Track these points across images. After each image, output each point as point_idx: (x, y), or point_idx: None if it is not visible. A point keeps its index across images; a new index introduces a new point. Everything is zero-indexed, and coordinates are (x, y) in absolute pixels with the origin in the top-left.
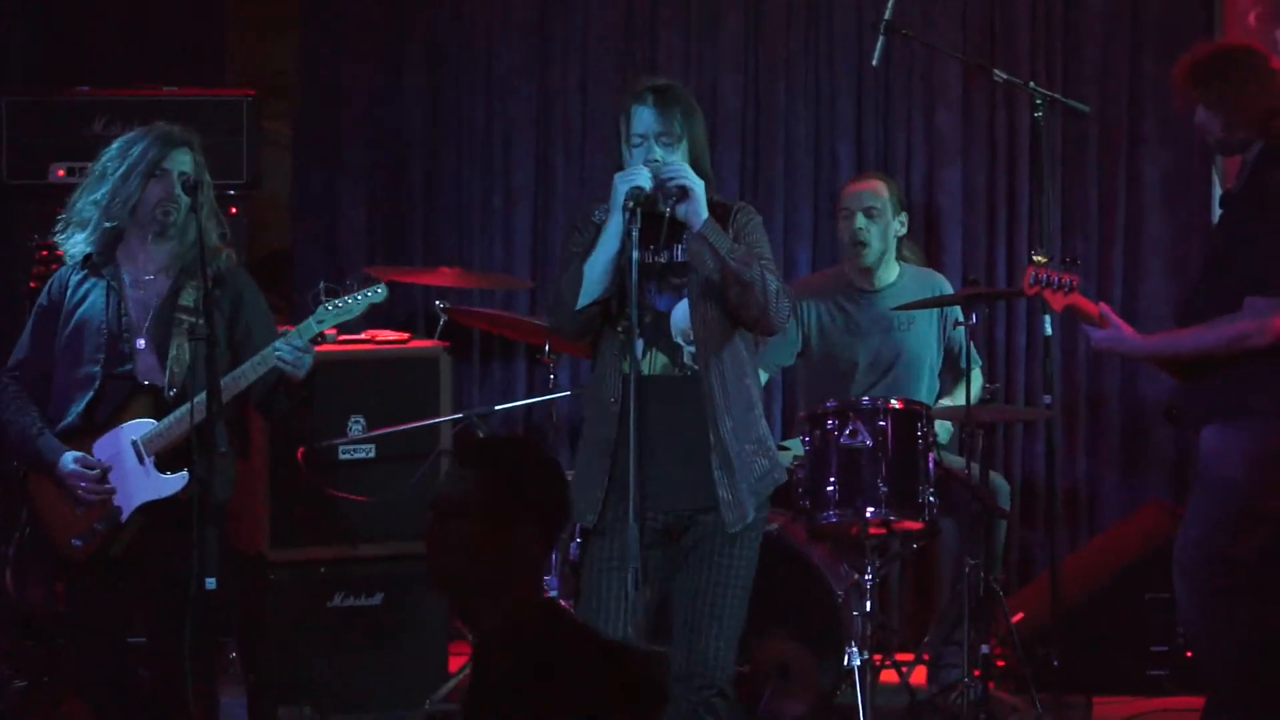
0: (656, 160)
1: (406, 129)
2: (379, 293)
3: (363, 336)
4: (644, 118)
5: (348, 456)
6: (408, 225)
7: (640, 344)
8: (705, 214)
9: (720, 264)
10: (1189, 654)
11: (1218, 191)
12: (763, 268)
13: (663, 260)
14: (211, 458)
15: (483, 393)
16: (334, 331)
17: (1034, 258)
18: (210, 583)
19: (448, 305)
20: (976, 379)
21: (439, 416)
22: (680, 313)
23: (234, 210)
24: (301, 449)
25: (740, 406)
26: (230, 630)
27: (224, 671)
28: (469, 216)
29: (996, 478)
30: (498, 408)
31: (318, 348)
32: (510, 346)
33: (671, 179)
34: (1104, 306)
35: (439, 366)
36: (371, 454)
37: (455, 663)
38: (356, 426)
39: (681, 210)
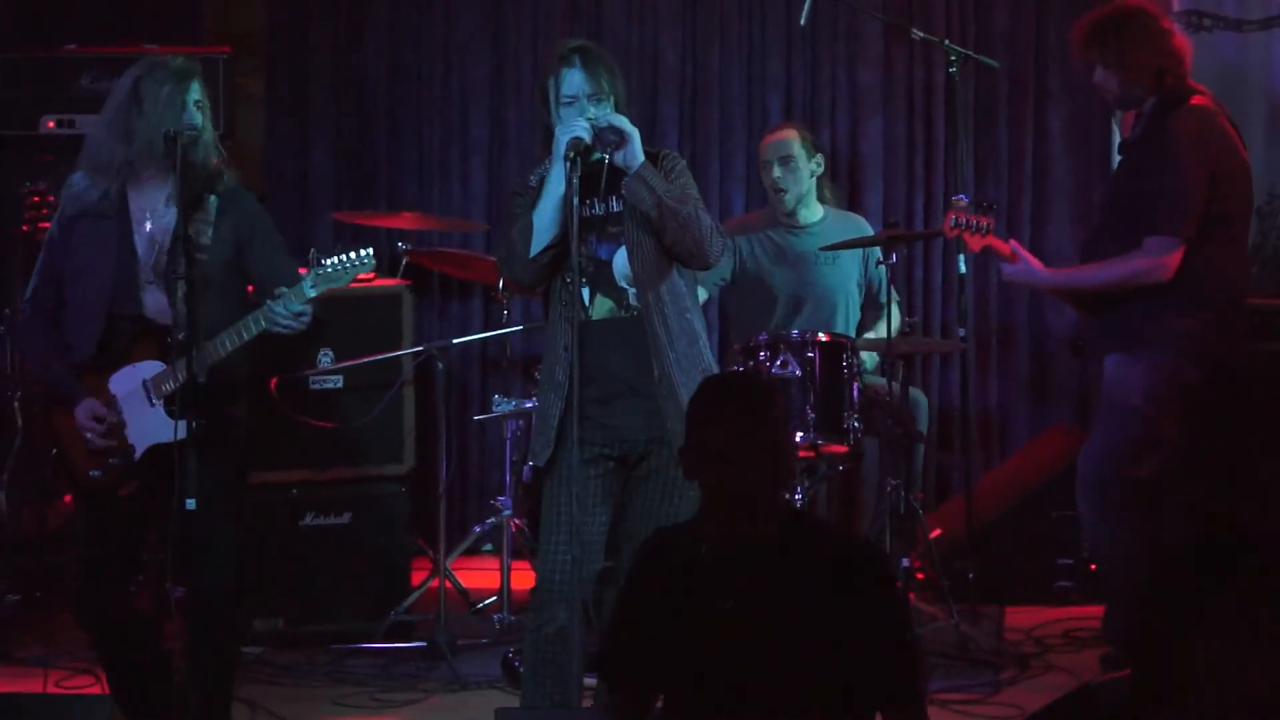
0: (594, 116)
1: (370, 85)
2: (366, 263)
3: None
4: (574, 79)
5: (318, 386)
6: (372, 173)
7: (586, 291)
8: (642, 157)
9: (657, 201)
10: (1092, 567)
11: (1117, 140)
12: (695, 205)
13: (600, 212)
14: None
15: (441, 327)
16: (303, 271)
17: (954, 202)
18: (190, 504)
19: (409, 247)
20: (896, 314)
21: (401, 349)
22: (621, 258)
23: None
24: (274, 379)
25: (683, 340)
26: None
27: None
28: (429, 165)
29: (916, 393)
30: (455, 341)
31: None
32: (467, 285)
33: (610, 124)
34: (1014, 243)
35: (401, 303)
36: (340, 384)
37: (417, 577)
38: (325, 359)
39: (620, 157)
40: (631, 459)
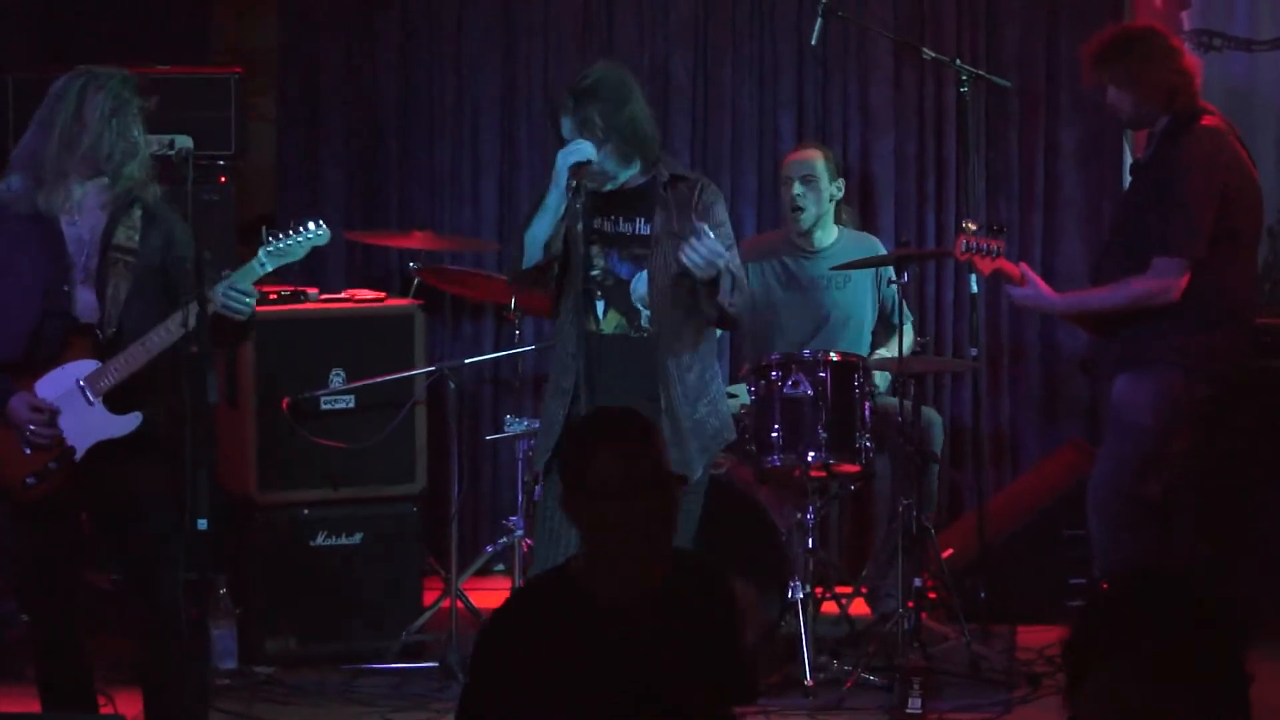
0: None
1: (381, 103)
2: (320, 233)
3: (343, 296)
4: (565, 126)
5: (329, 406)
6: (383, 192)
7: (601, 304)
8: (729, 295)
9: (719, 307)
10: (1104, 585)
11: (1128, 159)
12: (739, 288)
13: (626, 231)
14: (193, 402)
15: (453, 347)
16: (315, 291)
17: (964, 226)
18: (202, 524)
19: (420, 266)
20: (909, 333)
21: (413, 369)
22: (640, 282)
23: (223, 179)
24: (286, 400)
25: (694, 373)
26: (220, 567)
27: (214, 605)
28: (440, 184)
29: (930, 412)
30: (467, 361)
31: (300, 305)
32: (478, 305)
33: (708, 258)
34: (1024, 266)
35: (413, 323)
36: (351, 404)
37: (429, 597)
38: (337, 379)
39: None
40: None
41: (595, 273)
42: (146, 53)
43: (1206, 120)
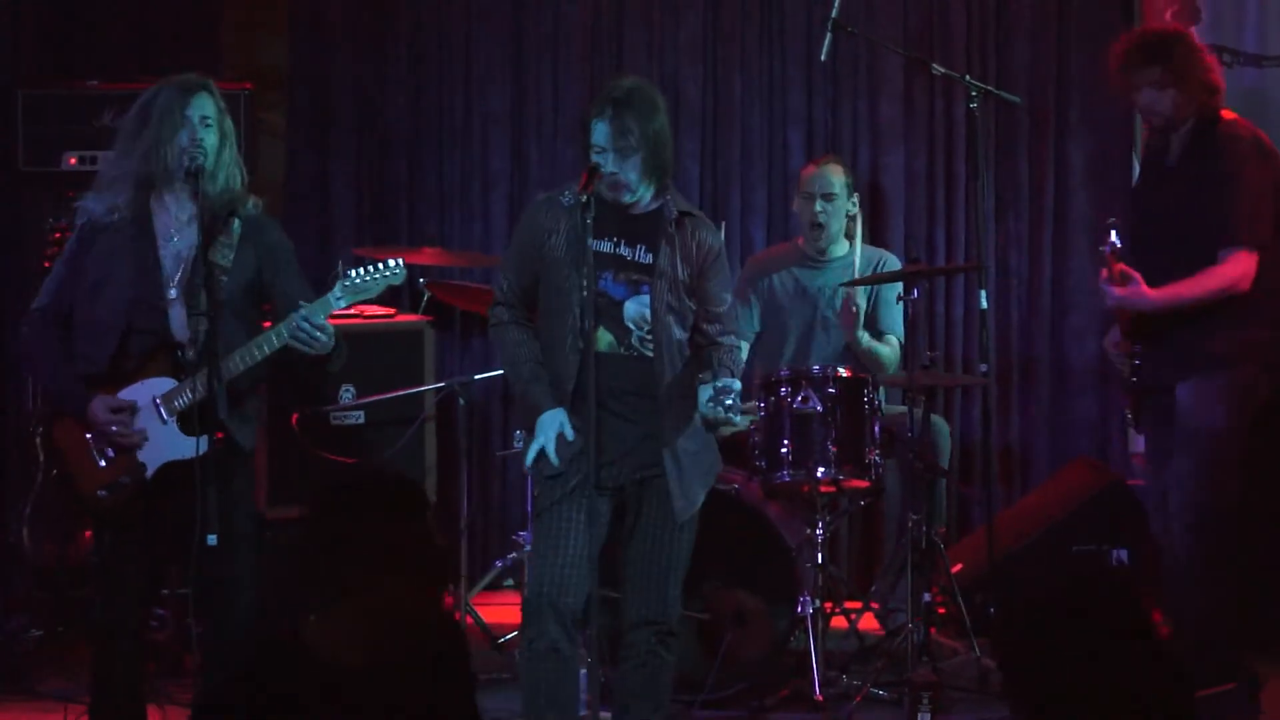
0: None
1: (391, 119)
2: (398, 272)
3: (352, 311)
4: (600, 131)
5: (339, 422)
6: (393, 208)
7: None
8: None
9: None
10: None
11: (1137, 174)
12: (735, 363)
13: (627, 255)
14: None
15: (463, 363)
16: None
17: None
18: (211, 539)
19: (430, 282)
20: (893, 347)
21: (423, 385)
22: (634, 306)
23: None
24: (296, 415)
25: (691, 403)
26: None
27: None
28: (449, 200)
29: (938, 420)
30: (477, 377)
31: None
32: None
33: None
34: (1123, 265)
35: (423, 339)
36: (361, 420)
37: None
38: (347, 395)
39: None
40: (626, 489)
41: (587, 293)
42: (157, 68)
43: (1239, 119)
